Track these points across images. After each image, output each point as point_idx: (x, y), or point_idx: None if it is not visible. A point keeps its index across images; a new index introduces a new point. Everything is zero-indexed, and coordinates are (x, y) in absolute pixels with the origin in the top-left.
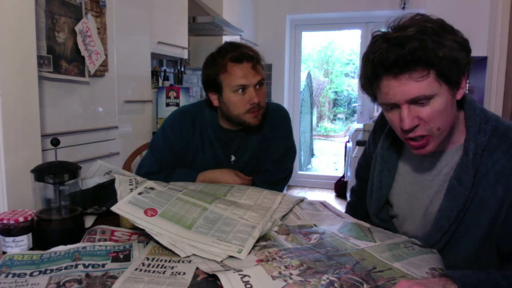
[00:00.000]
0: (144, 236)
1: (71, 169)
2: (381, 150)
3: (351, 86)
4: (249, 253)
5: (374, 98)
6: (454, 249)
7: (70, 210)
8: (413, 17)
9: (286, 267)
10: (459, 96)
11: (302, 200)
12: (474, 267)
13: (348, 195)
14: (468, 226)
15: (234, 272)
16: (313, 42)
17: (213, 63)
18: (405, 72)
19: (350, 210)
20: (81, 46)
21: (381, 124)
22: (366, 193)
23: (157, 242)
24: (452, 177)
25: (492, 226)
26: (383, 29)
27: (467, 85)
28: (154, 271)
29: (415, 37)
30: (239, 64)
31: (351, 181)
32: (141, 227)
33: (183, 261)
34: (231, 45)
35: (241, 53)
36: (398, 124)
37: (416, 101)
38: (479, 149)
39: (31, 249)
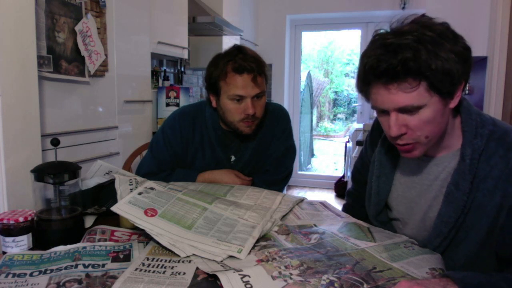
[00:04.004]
0: (144, 236)
1: (71, 169)
2: (379, 155)
3: (351, 86)
4: (249, 253)
5: (368, 99)
6: (453, 253)
7: (70, 210)
8: (416, 20)
9: (286, 267)
10: (452, 105)
11: (302, 200)
12: (473, 271)
13: None
14: (467, 231)
15: (234, 272)
16: (313, 42)
17: (216, 66)
18: (395, 82)
19: (346, 212)
20: (81, 46)
21: (377, 128)
22: (362, 196)
23: (157, 242)
24: (449, 182)
25: (490, 231)
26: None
27: (467, 85)
28: (154, 271)
29: (411, 46)
30: (238, 75)
31: (351, 181)
32: (141, 227)
33: (183, 261)
34: (237, 51)
35: (242, 64)
36: (387, 129)
37: (404, 110)
38: (476, 154)
39: (31, 249)
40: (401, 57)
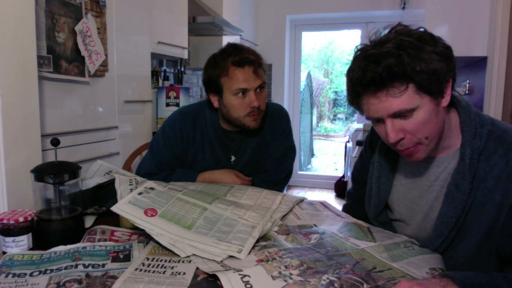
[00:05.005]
0: (144, 236)
1: (71, 169)
2: (379, 156)
3: None
4: (249, 253)
5: (362, 112)
6: (453, 252)
7: (70, 210)
8: (394, 28)
9: (286, 267)
10: (445, 103)
11: (302, 200)
12: (473, 270)
13: None
14: (467, 231)
15: (234, 272)
16: (313, 42)
17: (214, 65)
18: (382, 89)
19: (346, 213)
20: (81, 46)
21: None
22: (362, 196)
23: (157, 242)
24: (449, 183)
25: (491, 230)
26: (377, 34)
27: (467, 85)
28: (154, 271)
29: (392, 53)
30: (240, 68)
31: (351, 182)
32: (141, 227)
33: (183, 261)
34: (233, 48)
35: (242, 57)
36: (384, 137)
37: (398, 115)
38: (476, 154)
39: (31, 249)
40: (384, 64)
